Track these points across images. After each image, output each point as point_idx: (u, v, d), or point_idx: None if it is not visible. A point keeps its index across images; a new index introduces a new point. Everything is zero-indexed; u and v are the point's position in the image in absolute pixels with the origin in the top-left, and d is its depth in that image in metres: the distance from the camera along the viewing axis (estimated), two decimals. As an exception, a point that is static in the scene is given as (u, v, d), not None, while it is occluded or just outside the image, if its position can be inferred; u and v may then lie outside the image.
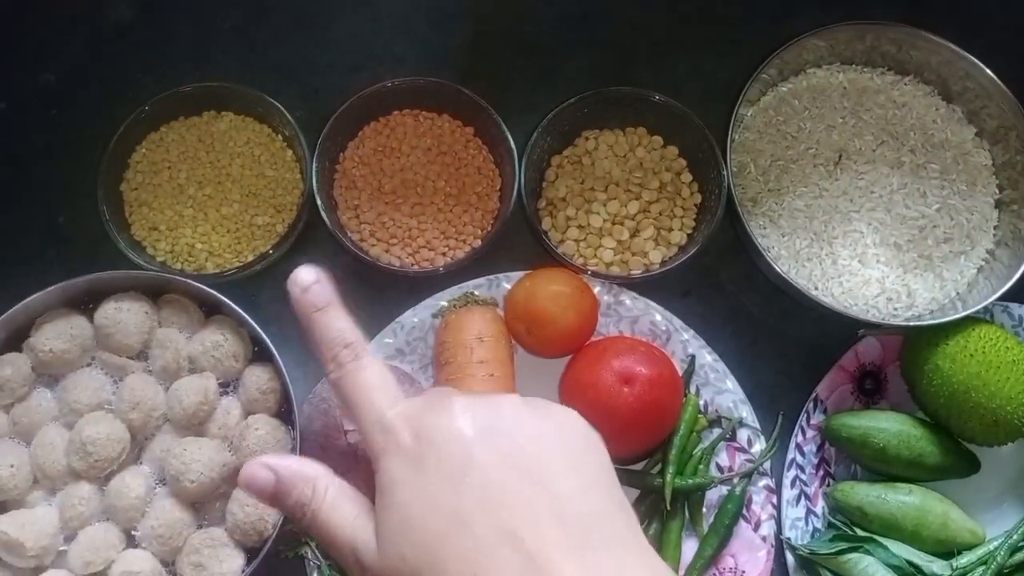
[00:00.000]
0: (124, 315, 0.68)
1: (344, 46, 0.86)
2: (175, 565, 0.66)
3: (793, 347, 0.80)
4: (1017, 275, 0.72)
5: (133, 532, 0.66)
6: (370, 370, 0.43)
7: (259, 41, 0.86)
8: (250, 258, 0.72)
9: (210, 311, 0.71)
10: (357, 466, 0.65)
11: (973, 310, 0.71)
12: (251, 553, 0.66)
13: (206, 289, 0.69)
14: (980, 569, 0.70)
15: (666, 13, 0.89)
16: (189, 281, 0.69)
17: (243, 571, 0.65)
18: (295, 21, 0.87)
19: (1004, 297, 0.75)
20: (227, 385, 0.70)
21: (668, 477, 0.71)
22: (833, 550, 0.69)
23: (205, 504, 0.67)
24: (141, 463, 0.68)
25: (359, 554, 0.40)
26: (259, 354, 0.70)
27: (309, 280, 0.44)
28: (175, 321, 0.70)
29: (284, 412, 0.69)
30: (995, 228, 0.78)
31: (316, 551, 0.67)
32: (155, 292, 0.71)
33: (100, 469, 0.66)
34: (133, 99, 0.79)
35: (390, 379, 0.43)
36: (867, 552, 0.69)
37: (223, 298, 0.68)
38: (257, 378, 0.68)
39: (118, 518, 0.66)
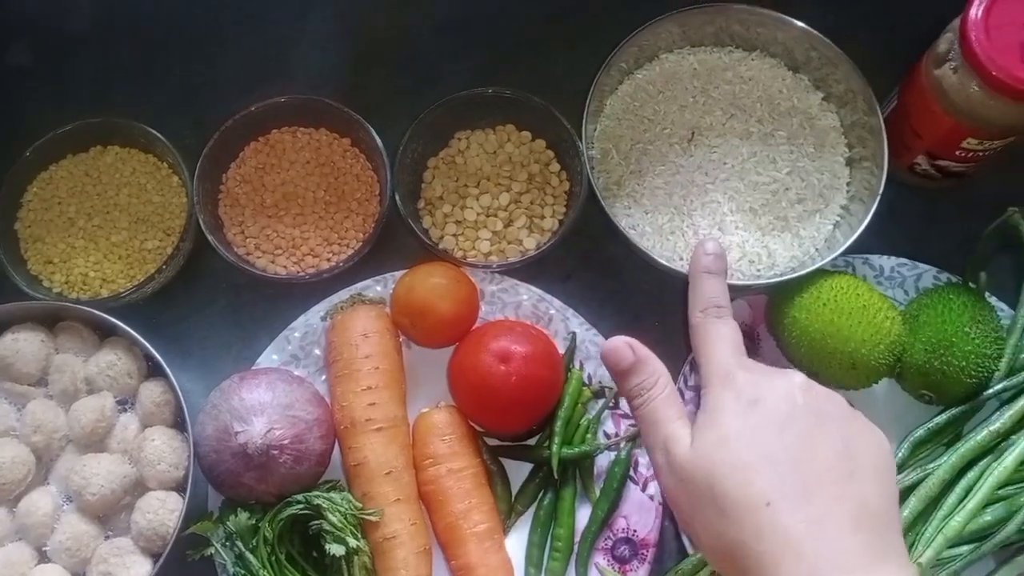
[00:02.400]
0: (21, 345, 0.72)
1: (231, 74, 0.91)
2: (86, 576, 0.69)
3: (672, 318, 0.84)
4: (862, 227, 0.77)
5: (44, 548, 0.69)
6: (728, 326, 0.55)
7: (151, 75, 0.91)
8: (140, 279, 0.76)
9: (105, 334, 0.75)
10: (250, 462, 0.68)
11: (821, 263, 0.76)
12: (156, 558, 0.69)
13: (97, 313, 0.73)
14: (854, 505, 0.74)
15: (539, 16, 0.93)
16: (80, 307, 0.73)
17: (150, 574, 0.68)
18: (184, 54, 0.91)
19: (855, 249, 0.80)
20: (125, 402, 0.74)
21: (555, 447, 0.76)
22: (711, 500, 0.73)
23: (111, 516, 0.71)
24: (48, 483, 0.72)
25: (672, 446, 0.50)
26: (153, 370, 0.74)
27: (713, 251, 0.58)
28: (71, 346, 0.73)
29: (179, 422, 0.72)
30: (848, 185, 0.82)
31: (221, 551, 0.71)
32: (50, 320, 0.74)
33: (8, 492, 0.69)
34: (31, 140, 0.83)
35: (740, 339, 0.55)
36: (743, 499, 0.73)
37: (114, 320, 0.72)
38: (151, 392, 0.72)
39: (29, 536, 0.69)
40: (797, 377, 0.52)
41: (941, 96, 0.75)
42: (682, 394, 0.79)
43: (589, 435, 0.78)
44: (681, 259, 0.80)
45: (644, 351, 0.55)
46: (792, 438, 0.49)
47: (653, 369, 0.54)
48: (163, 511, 0.69)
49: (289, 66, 0.91)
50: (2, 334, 0.73)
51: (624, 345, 0.54)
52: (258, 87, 0.88)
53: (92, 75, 0.90)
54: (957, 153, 0.78)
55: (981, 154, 0.78)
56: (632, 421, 0.79)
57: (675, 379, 0.79)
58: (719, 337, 0.55)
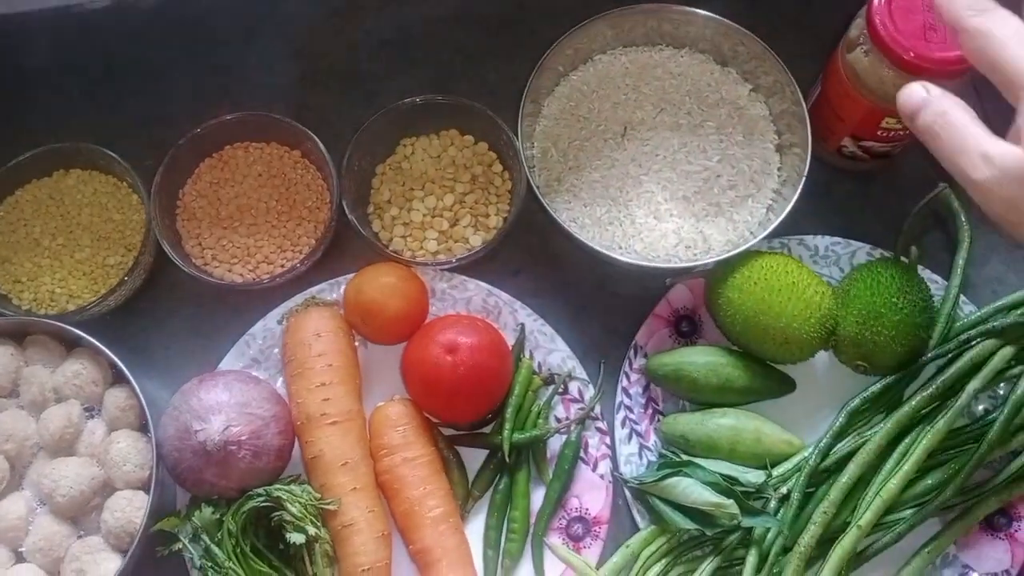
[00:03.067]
0: (-9, 360, 0.75)
1: (186, 96, 0.95)
2: (60, 574, 0.72)
3: (618, 306, 0.88)
4: (787, 208, 0.80)
5: (20, 549, 0.73)
6: (1005, 20, 0.49)
7: (108, 106, 0.95)
8: (103, 293, 0.80)
9: (70, 346, 0.78)
10: (210, 459, 0.72)
11: (752, 243, 0.79)
12: (126, 554, 0.72)
13: (61, 326, 0.76)
14: (796, 475, 0.77)
15: (478, 29, 0.98)
16: (46, 321, 0.77)
17: (120, 570, 0.71)
18: (139, 84, 0.96)
19: (790, 230, 0.84)
20: (92, 409, 0.77)
21: (506, 433, 0.79)
22: (656, 477, 0.76)
23: (82, 517, 0.74)
24: (23, 488, 0.75)
25: (1001, 157, 0.48)
26: (117, 377, 0.77)
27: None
28: (39, 358, 0.77)
29: (144, 425, 0.76)
30: (779, 170, 0.86)
31: (188, 546, 0.74)
32: (19, 335, 0.78)
33: (-18, 499, 0.73)
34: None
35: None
36: (686, 474, 0.76)
37: (78, 332, 0.76)
38: (116, 398, 0.76)
39: (5, 539, 0.73)
40: None
41: (856, 80, 0.78)
42: (628, 377, 0.83)
43: (540, 420, 0.81)
44: (620, 248, 0.83)
45: (939, 90, 0.51)
46: None
47: (946, 96, 0.51)
48: (130, 509, 0.72)
49: (239, 88, 0.95)
50: (-28, 351, 0.76)
51: (919, 87, 0.52)
52: (210, 110, 0.92)
53: (50, 111, 0.94)
54: (879, 133, 0.82)
55: (903, 132, 0.82)
56: (581, 405, 0.82)
57: (620, 363, 0.83)
58: (1011, 31, 0.48)
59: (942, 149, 0.51)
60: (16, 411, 0.76)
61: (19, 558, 0.73)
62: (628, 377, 0.83)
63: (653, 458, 0.81)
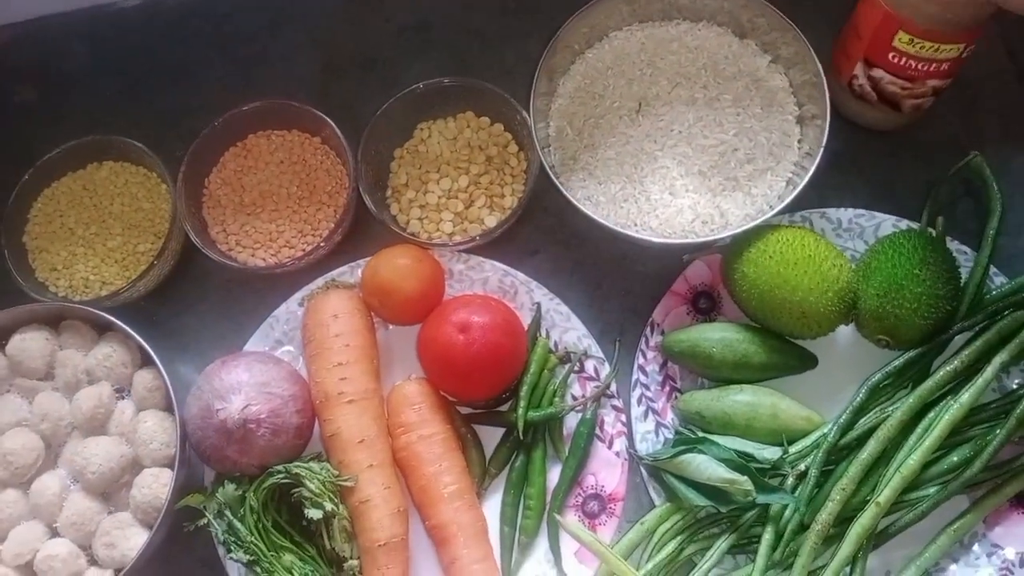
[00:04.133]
0: (28, 344, 0.79)
1: (214, 89, 0.98)
2: (92, 548, 0.76)
3: (635, 284, 0.87)
4: (804, 182, 0.79)
5: (54, 524, 0.76)
6: None
7: (141, 102, 0.98)
8: (133, 278, 0.83)
9: (102, 330, 0.82)
10: (231, 437, 0.74)
11: (766, 217, 0.78)
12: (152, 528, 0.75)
13: (93, 311, 0.80)
14: (814, 452, 0.76)
15: (492, 11, 0.98)
16: (79, 307, 0.80)
17: (146, 543, 0.74)
18: (170, 80, 0.99)
19: (812, 203, 0.82)
20: (122, 390, 0.80)
21: (520, 410, 0.79)
22: (670, 454, 0.76)
23: (112, 494, 0.78)
24: (57, 466, 0.79)
25: None
26: (146, 360, 0.80)
27: None
28: (72, 343, 0.81)
29: (170, 405, 0.78)
30: (799, 142, 0.84)
31: (213, 522, 0.76)
32: (54, 320, 0.82)
33: (21, 475, 0.77)
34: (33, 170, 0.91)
35: None
36: (700, 451, 0.75)
37: (109, 317, 0.79)
38: (144, 380, 0.79)
39: (41, 515, 0.76)
40: None
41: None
42: (644, 355, 0.82)
43: (556, 399, 0.81)
44: (635, 225, 0.83)
45: None
46: None
47: None
48: (157, 486, 0.75)
49: (264, 79, 0.97)
50: (12, 336, 0.80)
51: None
52: (237, 101, 0.94)
53: (89, 107, 0.98)
54: (891, 57, 0.79)
55: (914, 66, 0.78)
56: (597, 383, 0.82)
57: (637, 341, 0.83)
58: None
59: None
60: (51, 393, 0.79)
61: (53, 533, 0.77)
62: (644, 355, 0.82)
63: (670, 436, 0.80)
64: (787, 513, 0.74)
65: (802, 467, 0.75)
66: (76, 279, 0.86)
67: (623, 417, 0.81)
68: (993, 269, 0.81)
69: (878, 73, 0.81)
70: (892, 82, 0.81)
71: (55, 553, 0.74)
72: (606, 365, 0.82)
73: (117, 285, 0.85)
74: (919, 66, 0.78)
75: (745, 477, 0.72)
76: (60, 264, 0.86)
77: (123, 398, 0.80)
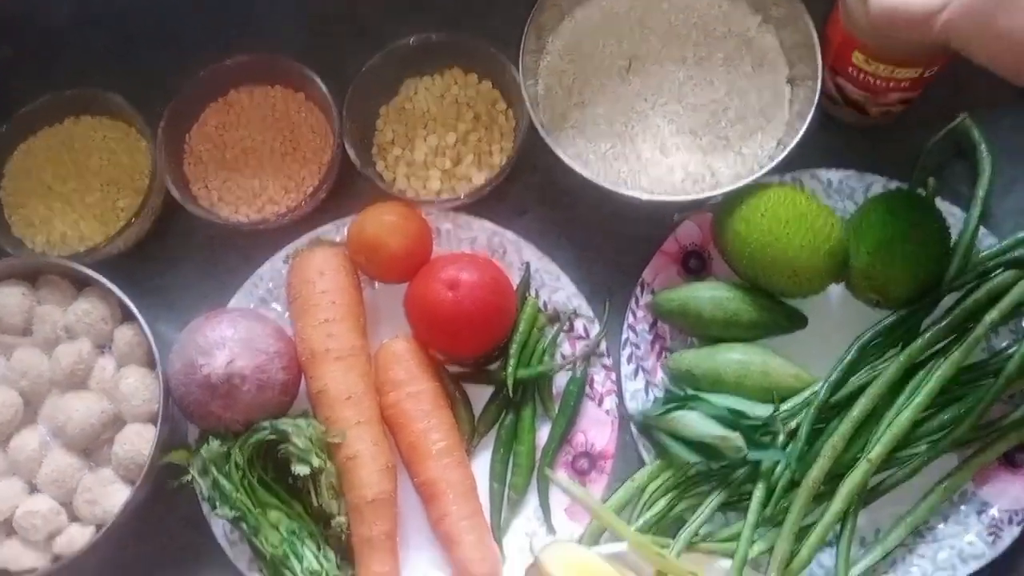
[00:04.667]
0: (5, 299, 0.78)
1: (199, 46, 0.95)
2: (73, 505, 0.74)
3: (625, 245, 0.86)
4: (794, 141, 0.78)
5: (34, 481, 0.75)
6: None
7: (123, 59, 0.96)
8: (112, 234, 0.81)
9: (81, 286, 0.80)
10: (215, 392, 0.73)
11: (757, 175, 0.77)
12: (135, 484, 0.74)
13: (72, 266, 0.78)
14: (805, 410, 0.75)
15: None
16: (57, 261, 0.78)
17: (128, 499, 0.73)
18: (152, 37, 0.96)
19: (803, 163, 0.82)
20: (103, 346, 0.79)
21: (509, 368, 0.78)
22: (661, 411, 0.75)
23: (93, 451, 0.76)
24: (36, 423, 0.77)
25: None
26: (127, 316, 0.79)
27: None
28: (51, 298, 0.79)
29: (152, 361, 0.77)
30: (790, 102, 0.84)
31: (198, 478, 0.75)
32: (32, 276, 0.80)
33: (-1, 433, 0.75)
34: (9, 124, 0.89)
35: None
36: (691, 408, 0.75)
37: (88, 271, 0.78)
38: (125, 335, 0.77)
39: (20, 471, 0.75)
40: None
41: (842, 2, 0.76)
42: (634, 314, 0.82)
43: (546, 357, 0.81)
44: (626, 184, 0.82)
45: None
46: None
47: None
48: (139, 441, 0.74)
49: (249, 37, 0.94)
50: (-14, 292, 0.78)
51: None
52: (222, 59, 0.92)
53: (70, 64, 0.95)
54: (850, 71, 0.79)
55: (872, 81, 0.78)
56: (587, 342, 0.81)
57: (627, 301, 0.82)
58: None
59: None
60: (30, 349, 0.77)
61: (33, 490, 0.75)
62: (634, 314, 0.82)
63: (659, 395, 0.80)
64: (778, 470, 0.74)
65: (793, 425, 0.75)
66: (54, 235, 0.84)
67: (613, 376, 0.80)
68: (983, 230, 0.80)
69: (841, 82, 0.81)
70: (855, 92, 0.81)
71: (35, 509, 0.73)
72: (596, 324, 0.82)
73: (96, 241, 0.83)
74: (878, 83, 0.78)
75: (736, 433, 0.72)
76: (37, 220, 0.84)
77: (103, 354, 0.79)
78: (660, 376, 0.81)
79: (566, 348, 0.82)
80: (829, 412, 0.76)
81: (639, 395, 0.80)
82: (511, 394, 0.78)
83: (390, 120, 0.87)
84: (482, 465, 0.80)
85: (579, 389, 0.79)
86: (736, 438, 0.72)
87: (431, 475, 0.75)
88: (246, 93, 0.87)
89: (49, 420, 0.76)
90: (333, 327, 0.77)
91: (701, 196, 0.79)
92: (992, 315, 0.74)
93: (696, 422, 0.74)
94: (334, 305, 0.78)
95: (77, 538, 0.73)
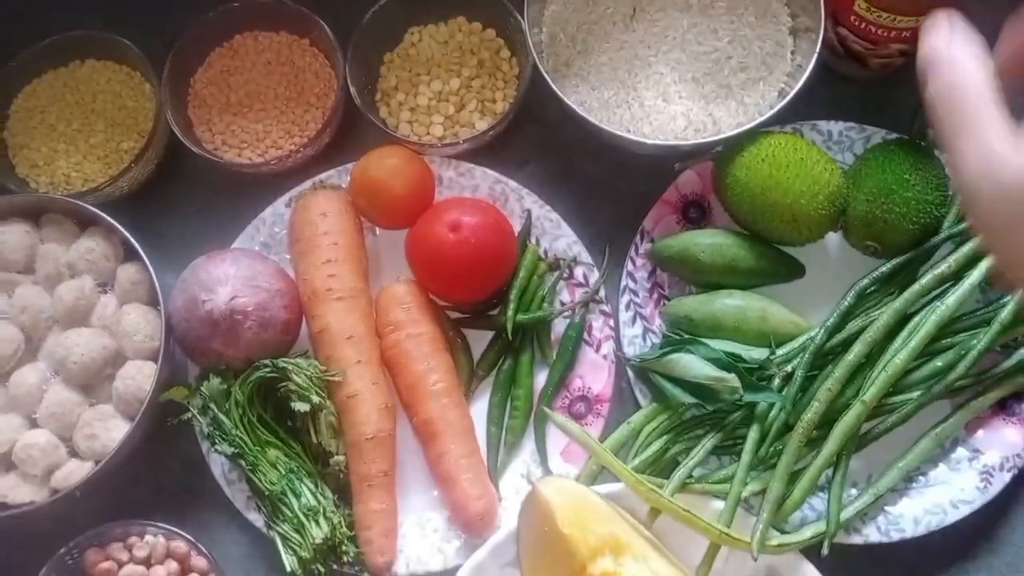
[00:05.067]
0: (7, 236, 0.78)
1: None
2: (72, 440, 0.75)
3: (627, 197, 0.87)
4: (796, 88, 0.78)
5: (34, 416, 0.75)
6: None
7: (127, 4, 0.96)
8: (114, 174, 0.81)
9: (85, 225, 0.80)
10: (217, 328, 0.73)
11: (758, 122, 0.78)
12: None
13: (75, 203, 0.78)
14: (801, 355, 0.76)
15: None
16: (60, 199, 0.79)
17: (128, 434, 0.73)
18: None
19: (803, 115, 0.82)
20: (105, 284, 0.79)
21: (509, 312, 0.79)
22: (658, 354, 0.76)
23: (94, 387, 0.76)
24: (37, 360, 0.77)
25: (1002, 166, 0.38)
26: (129, 255, 0.79)
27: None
28: (54, 236, 0.79)
29: (154, 300, 0.77)
30: (792, 53, 0.84)
31: (197, 416, 0.76)
32: (35, 214, 0.80)
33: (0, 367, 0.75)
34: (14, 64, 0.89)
35: None
36: (688, 351, 0.75)
37: (92, 208, 0.78)
38: (127, 273, 0.77)
39: (19, 406, 0.75)
40: None
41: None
42: (633, 261, 0.82)
43: (545, 304, 0.81)
44: (628, 131, 0.82)
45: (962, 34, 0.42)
46: None
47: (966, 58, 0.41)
48: (140, 377, 0.74)
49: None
50: (-10, 228, 0.79)
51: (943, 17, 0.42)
52: (226, 3, 0.92)
53: (71, 10, 0.95)
54: (852, 19, 0.79)
55: (873, 30, 0.78)
56: (586, 289, 0.82)
57: (624, 255, 0.82)
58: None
59: (943, 132, 0.41)
60: (31, 286, 0.78)
61: (33, 425, 0.76)
62: (634, 262, 0.82)
63: (657, 341, 0.81)
64: (773, 413, 0.74)
65: (789, 369, 0.75)
66: (57, 175, 0.84)
67: (611, 322, 0.81)
68: (981, 182, 0.81)
69: (843, 31, 0.81)
70: (856, 42, 0.81)
71: (34, 442, 0.73)
72: (595, 271, 0.82)
73: (99, 182, 0.83)
74: (880, 32, 0.79)
75: (732, 375, 0.73)
76: (41, 160, 0.85)
77: (105, 292, 0.79)
78: (658, 323, 0.81)
79: (565, 296, 0.82)
80: (825, 359, 0.77)
81: (637, 341, 0.80)
82: (510, 338, 0.79)
83: (394, 67, 0.87)
84: (480, 411, 0.80)
85: (577, 334, 0.80)
86: (732, 379, 0.72)
87: (430, 415, 0.76)
88: (251, 38, 0.88)
89: (50, 356, 0.76)
90: (335, 267, 0.77)
91: (704, 140, 0.79)
92: (988, 262, 0.75)
93: (693, 364, 0.74)
94: (336, 247, 0.78)
95: (75, 472, 0.73)
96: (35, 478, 0.74)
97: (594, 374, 0.80)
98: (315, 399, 0.74)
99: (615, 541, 0.65)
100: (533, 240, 0.83)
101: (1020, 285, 0.42)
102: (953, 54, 0.41)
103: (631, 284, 0.82)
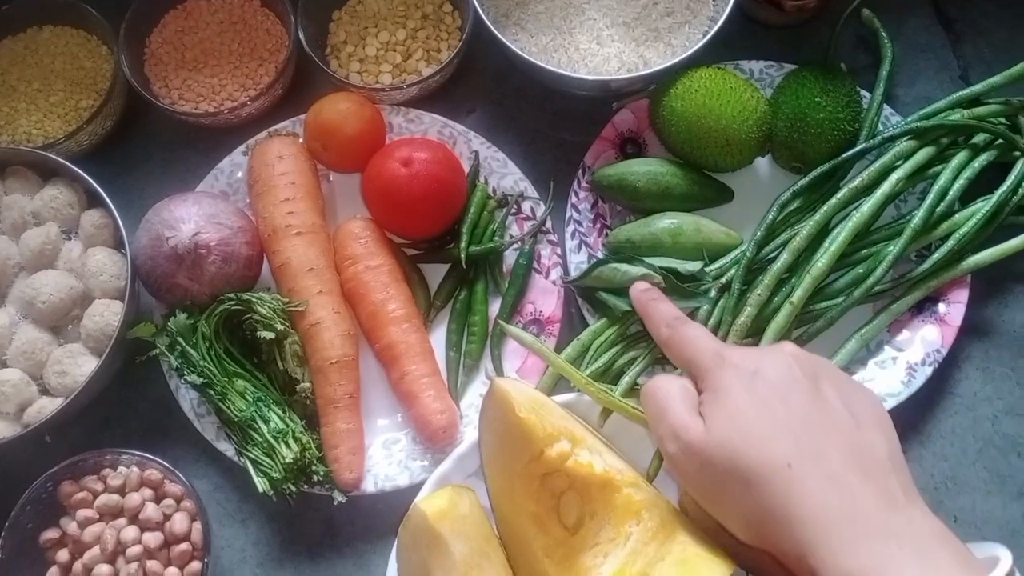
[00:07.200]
0: (-29, 189, 0.80)
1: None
2: (43, 378, 0.77)
3: (567, 139, 0.92)
4: (716, 26, 0.85)
5: (4, 357, 0.77)
6: (695, 326, 0.62)
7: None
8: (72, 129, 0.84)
9: (48, 176, 0.83)
10: (182, 263, 0.77)
11: (687, 55, 0.84)
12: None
13: (38, 153, 0.81)
14: (734, 267, 0.82)
15: None
16: (23, 150, 0.81)
17: (97, 368, 0.76)
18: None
19: (726, 56, 0.89)
20: (70, 232, 0.82)
21: (463, 244, 0.84)
22: (589, 269, 0.81)
23: (62, 327, 0.79)
24: (6, 304, 0.80)
25: (683, 433, 0.54)
26: (93, 202, 0.82)
27: (645, 286, 0.71)
28: (18, 187, 0.82)
29: (119, 242, 0.80)
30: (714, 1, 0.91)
31: (165, 351, 0.78)
32: (-1, 168, 0.83)
33: (-32, 313, 0.77)
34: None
35: (712, 335, 0.61)
36: (617, 263, 0.80)
37: (54, 157, 0.81)
38: (92, 218, 0.80)
39: (-11, 349, 0.77)
40: (788, 347, 0.57)
41: None
42: (576, 194, 0.87)
43: (496, 237, 0.86)
44: (563, 70, 0.88)
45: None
46: (798, 402, 0.52)
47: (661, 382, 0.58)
48: (108, 314, 0.77)
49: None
50: (-46, 183, 0.81)
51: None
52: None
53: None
54: None
55: None
56: (534, 221, 0.87)
57: (567, 189, 0.87)
58: (695, 334, 0.60)
59: (649, 416, 0.58)
60: (-3, 234, 0.80)
61: (4, 365, 0.78)
62: (577, 195, 0.87)
63: (603, 266, 0.85)
64: (711, 321, 0.80)
65: (723, 280, 0.81)
66: (19, 133, 0.87)
67: (558, 250, 0.86)
68: (891, 110, 0.88)
69: None
70: None
71: (5, 379, 0.75)
72: (541, 205, 0.87)
73: (58, 137, 0.86)
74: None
75: (657, 271, 0.77)
76: (2, 119, 0.87)
77: (69, 239, 0.82)
78: (602, 252, 0.86)
79: (514, 230, 0.87)
80: (755, 274, 0.82)
81: (583, 267, 0.85)
82: (464, 266, 0.83)
83: (343, 23, 0.92)
84: (439, 340, 0.85)
85: (528, 263, 0.85)
86: (656, 277, 0.77)
87: (392, 339, 0.80)
88: (204, 1, 0.92)
89: (18, 299, 0.79)
90: (293, 205, 0.81)
91: (637, 74, 0.85)
92: (899, 172, 0.81)
93: (623, 270, 0.79)
94: (293, 186, 0.82)
95: (47, 407, 0.75)
96: (8, 415, 0.76)
97: (544, 298, 0.84)
98: (279, 327, 0.77)
99: (570, 433, 0.69)
100: (482, 179, 0.88)
101: (719, 520, 0.55)
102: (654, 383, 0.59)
103: (575, 215, 0.87)
